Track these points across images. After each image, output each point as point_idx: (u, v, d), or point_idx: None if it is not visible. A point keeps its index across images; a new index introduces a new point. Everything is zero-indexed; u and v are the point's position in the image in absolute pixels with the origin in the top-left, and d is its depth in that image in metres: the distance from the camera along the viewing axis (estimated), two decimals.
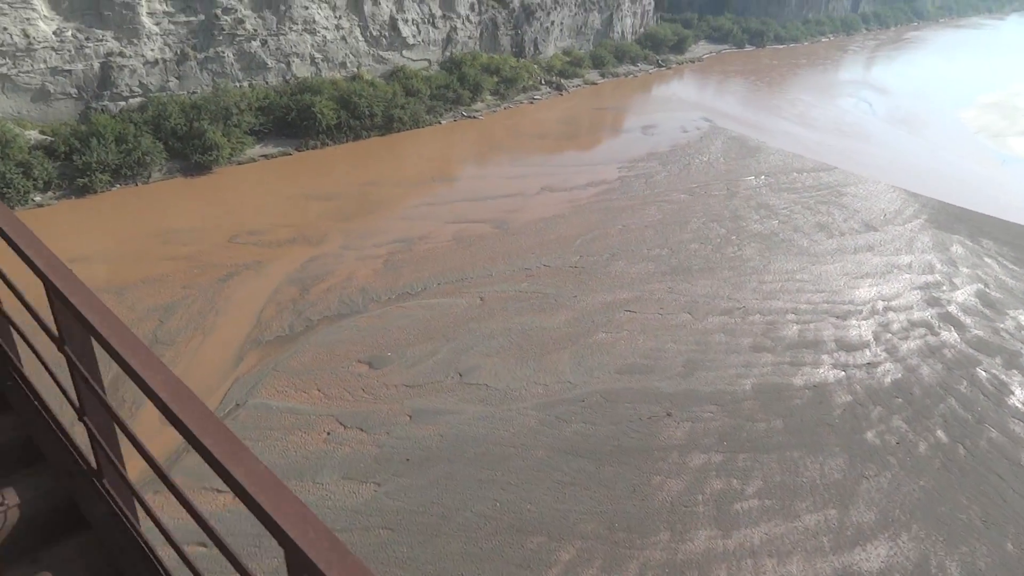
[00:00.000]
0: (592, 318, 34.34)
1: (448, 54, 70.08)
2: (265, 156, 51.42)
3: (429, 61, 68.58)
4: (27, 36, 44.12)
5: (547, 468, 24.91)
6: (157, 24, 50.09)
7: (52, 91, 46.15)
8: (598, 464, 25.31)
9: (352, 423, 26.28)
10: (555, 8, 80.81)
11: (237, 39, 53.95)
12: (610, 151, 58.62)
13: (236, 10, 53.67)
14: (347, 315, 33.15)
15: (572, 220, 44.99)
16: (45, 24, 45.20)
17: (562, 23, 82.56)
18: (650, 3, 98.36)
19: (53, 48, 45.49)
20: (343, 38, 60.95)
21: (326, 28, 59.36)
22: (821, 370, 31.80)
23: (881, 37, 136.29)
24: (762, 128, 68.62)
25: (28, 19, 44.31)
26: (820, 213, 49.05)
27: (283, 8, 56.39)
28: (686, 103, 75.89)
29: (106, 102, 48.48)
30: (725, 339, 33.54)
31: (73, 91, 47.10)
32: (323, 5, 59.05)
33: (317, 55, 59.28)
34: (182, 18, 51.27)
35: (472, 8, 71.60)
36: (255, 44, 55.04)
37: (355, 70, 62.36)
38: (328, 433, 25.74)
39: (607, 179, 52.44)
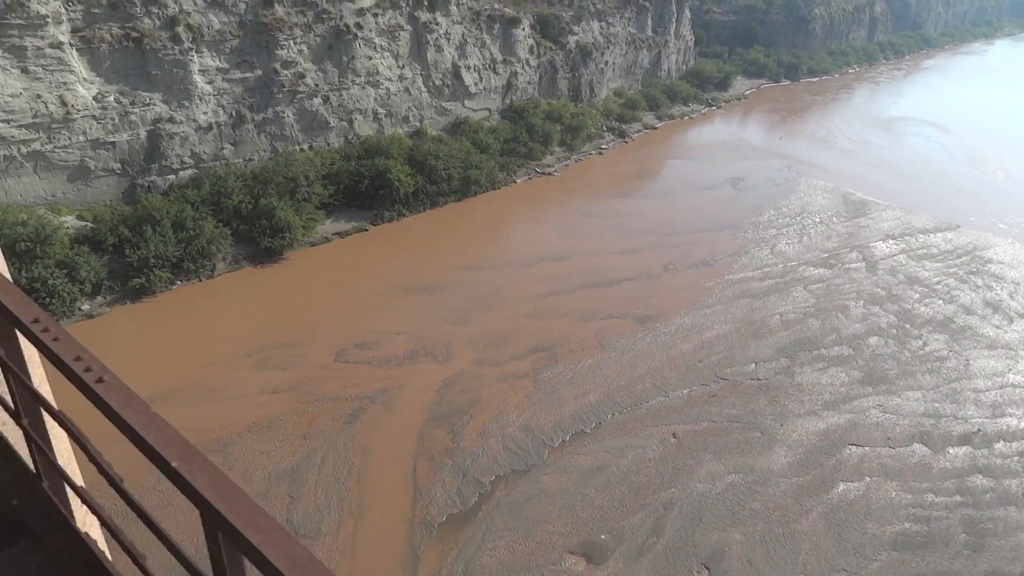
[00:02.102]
0: (818, 460, 27.56)
1: (508, 101, 63.52)
2: (339, 234, 43.98)
3: (489, 110, 61.93)
4: (64, 104, 36.37)
5: None
6: (210, 83, 42.62)
7: (92, 168, 38.33)
8: None
9: None
10: (608, 47, 74.97)
11: (298, 96, 46.63)
12: (713, 213, 52.31)
13: (296, 63, 46.42)
14: (523, 471, 25.89)
15: (719, 311, 38.35)
16: (84, 89, 37.49)
17: (614, 63, 76.72)
18: (691, 39, 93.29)
19: (94, 116, 37.77)
20: (406, 89, 53.98)
21: (389, 79, 52.36)
22: None
23: (902, 66, 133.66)
24: (850, 176, 63.06)
25: (66, 83, 36.59)
26: (980, 288, 43.16)
27: (345, 59, 49.29)
28: (758, 149, 70.23)
29: (153, 177, 40.73)
30: (988, 484, 26.99)
31: (116, 166, 39.31)
32: (386, 54, 52.11)
33: (380, 110, 52.19)
34: (237, 75, 43.88)
35: (531, 51, 65.29)
36: (316, 101, 47.76)
37: (417, 124, 55.40)
38: None
39: (728, 250, 46.05)
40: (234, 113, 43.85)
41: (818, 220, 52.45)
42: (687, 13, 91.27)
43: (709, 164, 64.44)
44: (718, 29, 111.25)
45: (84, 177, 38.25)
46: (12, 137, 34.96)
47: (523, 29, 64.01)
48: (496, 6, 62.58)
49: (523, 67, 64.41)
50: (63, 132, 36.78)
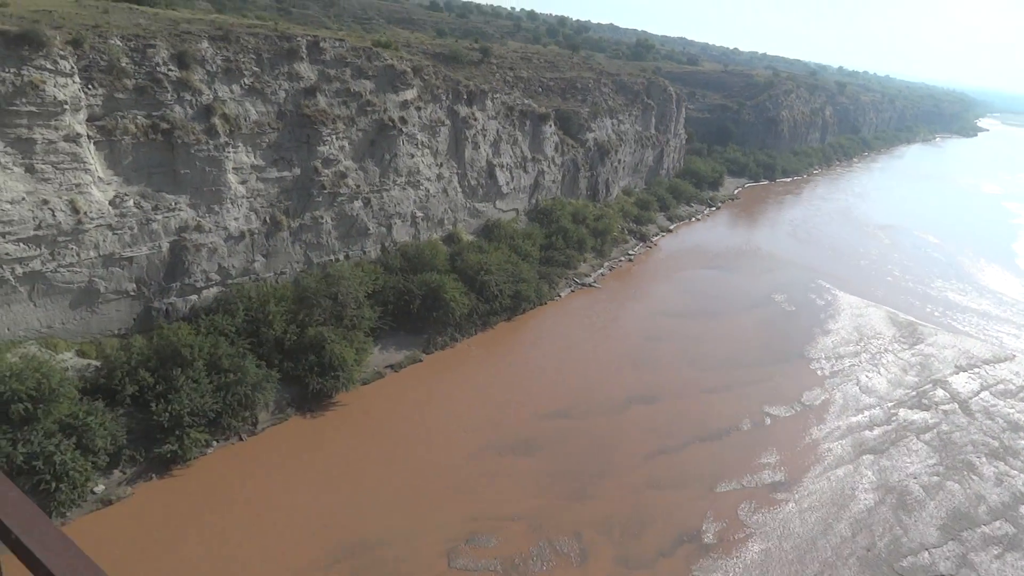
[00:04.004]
0: None
1: (534, 201, 58.81)
2: (391, 366, 36.88)
3: (517, 211, 56.91)
4: (76, 211, 28.49)
5: None
6: (243, 183, 35.55)
7: (102, 290, 30.16)
8: None
9: None
10: (620, 145, 72.21)
11: (339, 199, 40.02)
12: (776, 338, 48.53)
13: (338, 160, 40.01)
14: None
15: (850, 473, 33.63)
16: (99, 191, 29.74)
17: (624, 161, 73.91)
18: (684, 137, 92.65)
19: (110, 226, 29.92)
20: (443, 190, 48.25)
21: (428, 179, 46.54)
22: None
23: (853, 168, 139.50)
24: (881, 294, 61.22)
25: (79, 185, 28.81)
26: None
27: (388, 157, 43.27)
28: (778, 259, 68.06)
29: (173, 298, 32.79)
30: None
31: (131, 287, 31.25)
32: (426, 151, 46.47)
33: (419, 213, 46.09)
34: (274, 173, 37.02)
35: (556, 148, 61.27)
36: (357, 204, 41.25)
37: (451, 228, 49.52)
38: None
39: (815, 385, 41.96)
40: (268, 219, 36.72)
41: (882, 347, 49.45)
42: (683, 112, 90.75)
43: (741, 276, 61.29)
44: (695, 126, 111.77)
45: (90, 302, 29.98)
46: (7, 255, 26.68)
47: (550, 125, 60.10)
48: (526, 101, 58.54)
49: (549, 165, 60.15)
50: (71, 246, 28.72)
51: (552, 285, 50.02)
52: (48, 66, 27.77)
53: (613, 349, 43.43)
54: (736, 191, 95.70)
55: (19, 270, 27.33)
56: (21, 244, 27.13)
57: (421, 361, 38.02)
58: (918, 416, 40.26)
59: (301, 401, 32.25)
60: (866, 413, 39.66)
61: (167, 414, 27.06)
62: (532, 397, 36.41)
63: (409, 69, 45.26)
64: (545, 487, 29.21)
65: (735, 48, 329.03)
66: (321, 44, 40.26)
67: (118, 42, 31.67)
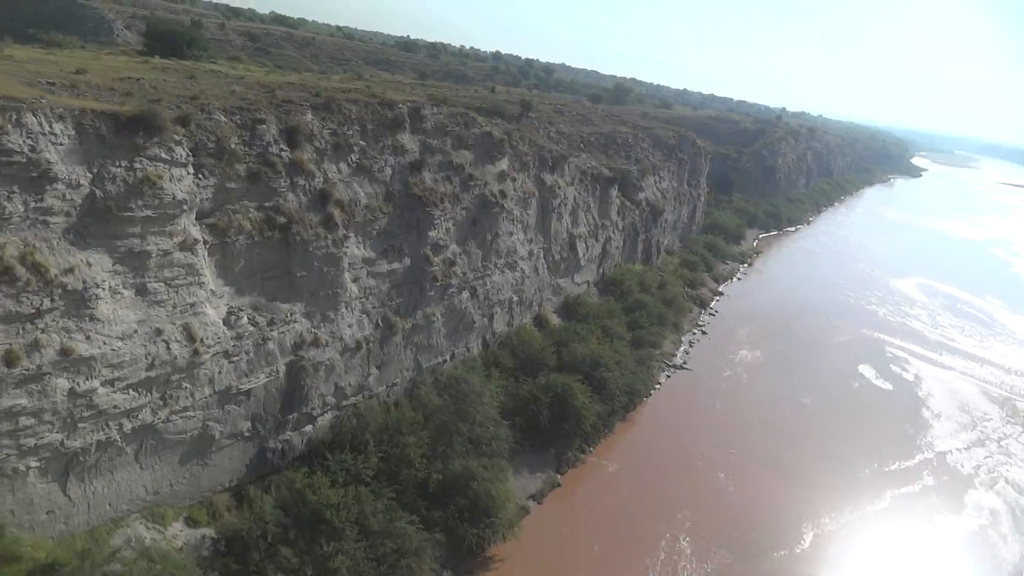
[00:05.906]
0: None
1: (601, 272, 54.04)
2: (533, 497, 30.89)
3: (588, 283, 52.01)
4: (191, 338, 21.89)
5: None
6: (355, 281, 29.36)
7: (217, 435, 23.44)
8: None
9: None
10: (666, 204, 68.41)
11: (449, 292, 34.18)
12: (893, 423, 44.99)
13: (445, 245, 34.22)
14: None
15: None
16: (213, 308, 23.21)
17: (667, 220, 70.11)
18: (707, 190, 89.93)
19: (225, 353, 23.35)
20: (535, 269, 42.94)
21: (522, 258, 41.17)
22: None
23: (839, 213, 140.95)
24: (954, 359, 58.75)
25: (193, 305, 22.26)
26: None
27: (489, 237, 37.76)
28: (838, 323, 65.28)
29: (288, 433, 26.21)
30: None
31: (246, 426, 24.59)
32: (518, 226, 41.11)
33: (514, 297, 40.56)
34: (384, 266, 30.91)
35: (619, 212, 56.82)
36: (464, 296, 35.48)
37: (537, 309, 44.13)
38: None
39: (969, 484, 38.21)
40: (380, 321, 30.53)
41: (998, 431, 46.58)
42: (708, 165, 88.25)
43: (817, 346, 57.85)
44: None
45: (202, 453, 23.22)
46: (115, 408, 19.93)
47: (615, 188, 55.69)
48: (592, 164, 53.98)
49: (614, 231, 55.59)
50: (184, 385, 22.05)
51: (649, 370, 44.94)
52: (163, 155, 21.41)
53: (746, 452, 38.47)
54: (754, 242, 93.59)
55: (127, 426, 20.55)
56: (131, 392, 20.42)
57: (559, 486, 32.18)
58: None
59: (454, 560, 25.93)
60: None
61: None
62: (696, 529, 30.97)
63: (504, 136, 40.09)
64: None
65: (684, 89, 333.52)
66: (422, 111, 34.70)
67: (222, 117, 25.46)
